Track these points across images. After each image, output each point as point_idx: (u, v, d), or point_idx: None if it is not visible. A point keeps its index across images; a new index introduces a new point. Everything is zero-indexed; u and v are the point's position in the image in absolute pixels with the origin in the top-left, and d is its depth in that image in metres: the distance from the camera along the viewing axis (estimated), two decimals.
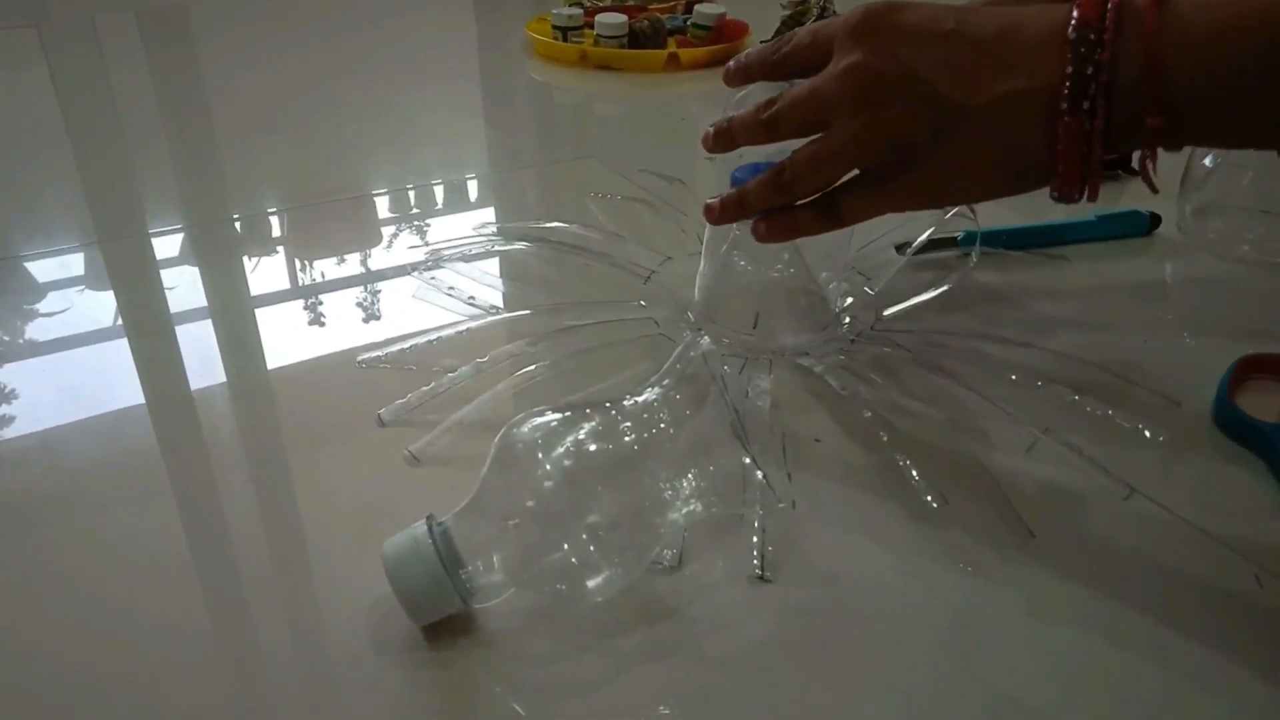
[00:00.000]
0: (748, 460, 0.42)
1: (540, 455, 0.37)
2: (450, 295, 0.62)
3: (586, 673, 0.36)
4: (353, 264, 0.69)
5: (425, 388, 0.51)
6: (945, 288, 0.60)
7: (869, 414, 0.48)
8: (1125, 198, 0.76)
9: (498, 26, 1.45)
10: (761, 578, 0.40)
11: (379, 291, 0.64)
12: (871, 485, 0.45)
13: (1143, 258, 0.68)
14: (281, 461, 0.48)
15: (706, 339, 0.40)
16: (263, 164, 0.88)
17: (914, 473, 0.44)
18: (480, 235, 0.69)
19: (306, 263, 0.69)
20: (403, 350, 0.55)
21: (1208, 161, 0.69)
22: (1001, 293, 0.62)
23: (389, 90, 1.11)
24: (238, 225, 0.75)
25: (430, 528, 0.37)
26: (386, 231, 0.75)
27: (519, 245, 0.67)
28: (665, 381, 0.39)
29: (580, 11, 1.18)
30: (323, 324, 0.60)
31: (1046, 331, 0.57)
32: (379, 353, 0.55)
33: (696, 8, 1.18)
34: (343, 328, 0.60)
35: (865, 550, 0.42)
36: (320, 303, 0.63)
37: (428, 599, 0.36)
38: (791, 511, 0.43)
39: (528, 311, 0.59)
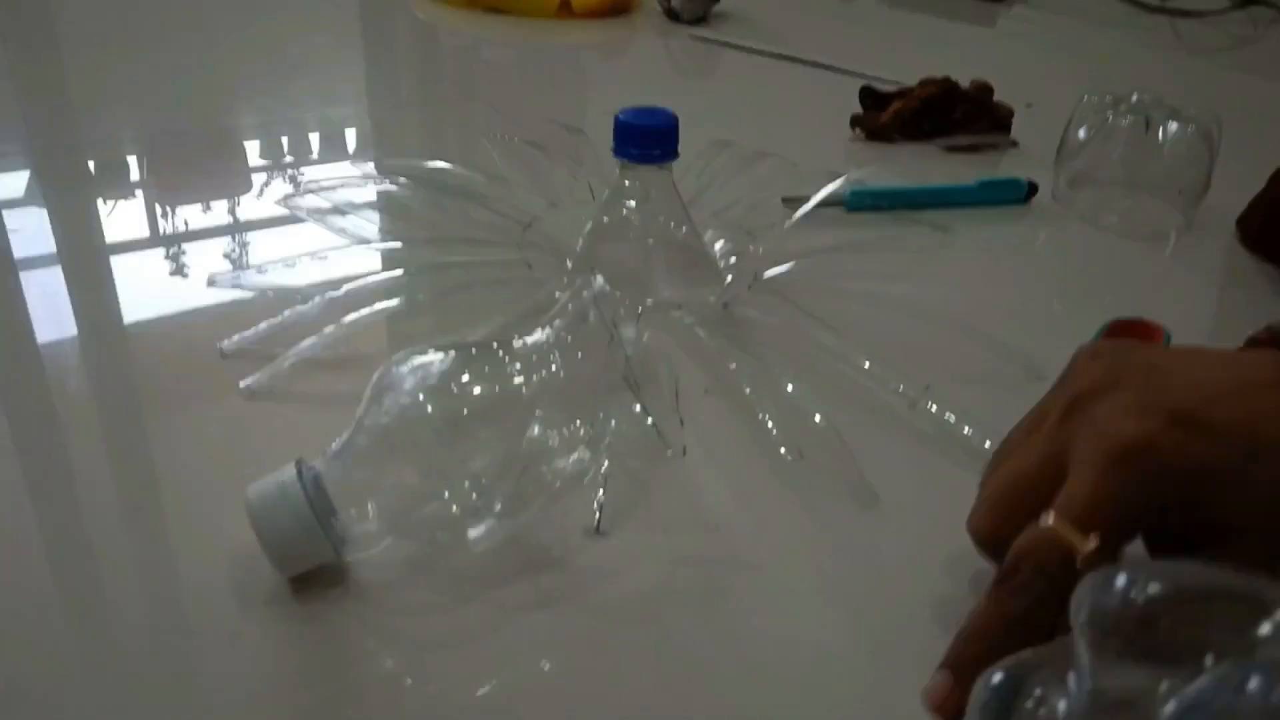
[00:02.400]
0: (638, 408, 0.41)
1: (421, 396, 0.35)
2: (319, 221, 0.58)
3: (467, 624, 0.34)
4: (219, 210, 0.64)
5: (273, 319, 0.48)
6: (827, 249, 0.60)
7: (734, 365, 0.48)
8: (1004, 166, 0.78)
9: None
10: (598, 531, 0.38)
11: (246, 243, 0.60)
12: (749, 433, 0.44)
13: (1019, 224, 0.70)
14: (133, 409, 0.45)
15: (600, 280, 0.39)
16: (119, 93, 0.81)
17: (771, 426, 0.44)
18: (358, 171, 0.65)
19: (167, 207, 0.64)
20: (258, 272, 0.52)
21: (1081, 133, 0.71)
22: (881, 255, 0.63)
23: (260, 20, 1.04)
24: (90, 164, 0.69)
25: (300, 472, 0.34)
26: (257, 175, 0.70)
27: (399, 182, 0.64)
28: (557, 322, 0.37)
29: None
30: (184, 274, 0.56)
31: (924, 294, 0.58)
32: (233, 274, 0.51)
33: None
34: (204, 274, 0.55)
35: (748, 494, 0.41)
36: (182, 251, 0.58)
37: (296, 548, 0.34)
38: (681, 460, 0.42)
39: (396, 245, 0.56)
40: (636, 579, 0.37)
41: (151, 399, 0.45)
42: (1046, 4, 1.40)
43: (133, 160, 0.70)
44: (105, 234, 0.60)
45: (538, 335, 0.37)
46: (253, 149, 0.74)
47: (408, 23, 1.12)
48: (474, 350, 0.37)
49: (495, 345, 0.37)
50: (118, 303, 0.52)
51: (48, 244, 0.58)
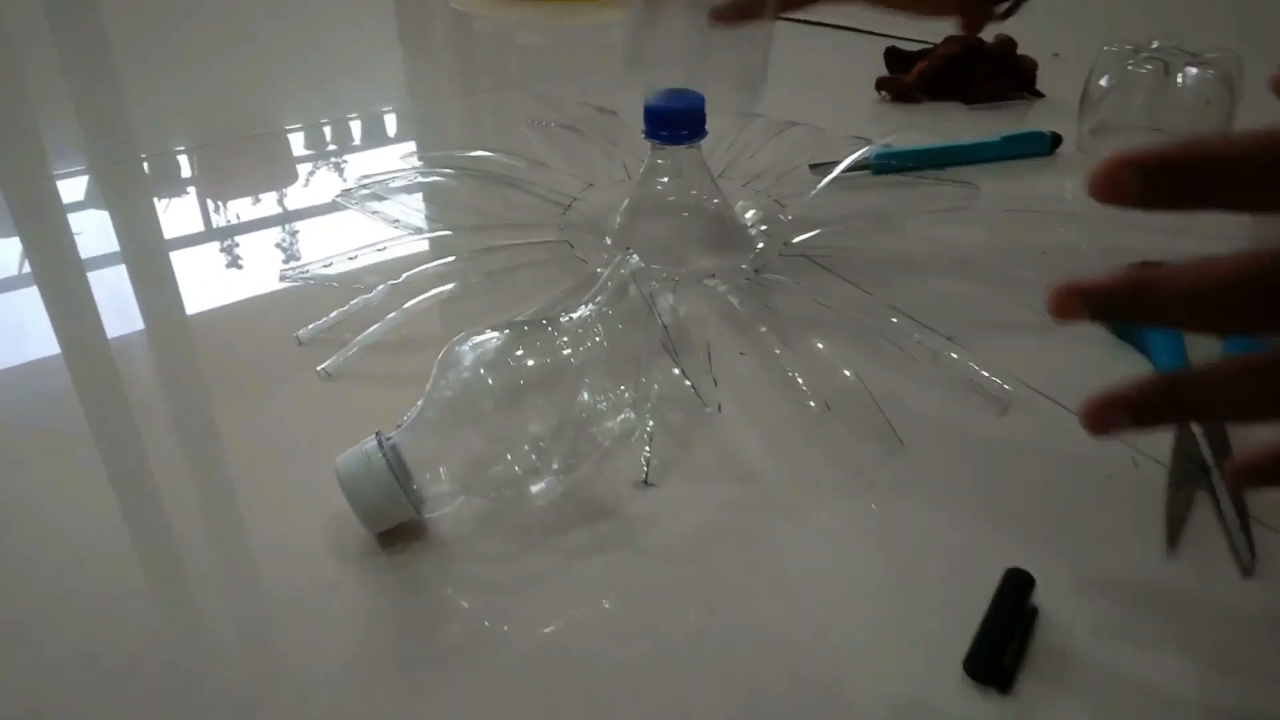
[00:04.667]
0: (676, 371, 0.45)
1: (482, 371, 0.39)
2: (373, 215, 0.63)
3: (534, 569, 0.39)
4: (270, 202, 0.69)
5: (343, 308, 0.52)
6: (855, 213, 0.63)
7: (764, 329, 0.51)
8: (1030, 119, 0.80)
9: None
10: (647, 483, 0.42)
11: (296, 232, 0.65)
12: (784, 389, 0.48)
13: (1046, 175, 0.72)
14: (224, 393, 0.50)
15: (635, 257, 0.42)
16: (170, 99, 0.87)
17: (801, 382, 0.47)
18: (405, 165, 0.70)
19: (220, 203, 0.69)
20: (324, 266, 0.56)
21: (1103, 83, 0.73)
22: (911, 216, 0.66)
23: (299, 20, 1.09)
24: (146, 166, 0.74)
25: (380, 442, 0.39)
26: (304, 168, 0.75)
27: (444, 173, 0.68)
28: (599, 298, 0.41)
29: None
30: (240, 266, 0.61)
31: (953, 249, 0.61)
32: (301, 267, 0.56)
33: None
34: (262, 266, 0.60)
35: (782, 447, 0.45)
36: (236, 244, 0.63)
37: (381, 509, 0.38)
38: (718, 416, 0.46)
39: (447, 233, 0.60)
40: (682, 524, 0.41)
41: (239, 384, 0.50)
42: None
43: (184, 160, 0.75)
44: (165, 232, 0.65)
45: (582, 311, 0.41)
46: (298, 144, 0.79)
47: (443, 12, 1.16)
48: (525, 327, 0.41)
49: (544, 321, 0.41)
50: (180, 298, 0.57)
51: (111, 244, 0.63)
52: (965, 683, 0.34)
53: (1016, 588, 0.36)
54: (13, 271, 0.60)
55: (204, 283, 0.59)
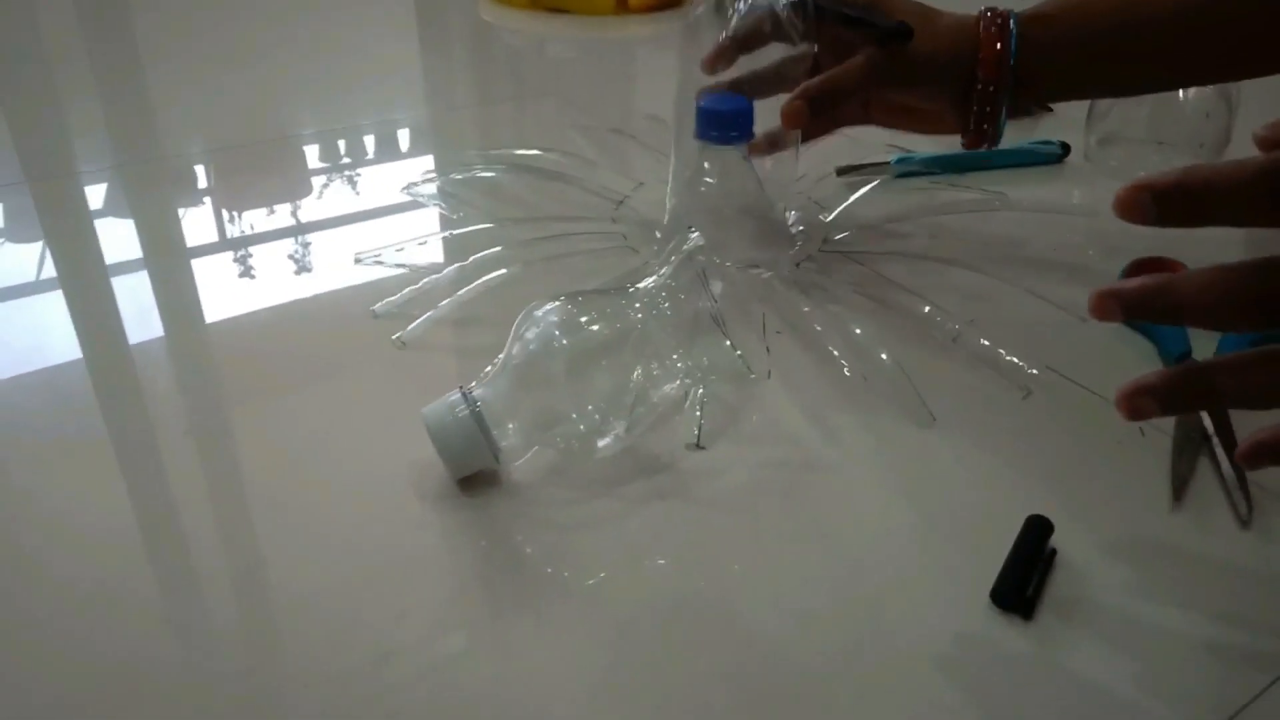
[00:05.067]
0: (727, 343, 0.50)
1: (557, 333, 0.44)
2: (435, 203, 0.67)
3: (599, 513, 0.43)
4: (333, 198, 0.74)
5: (414, 286, 0.57)
6: (886, 214, 0.68)
7: (806, 309, 0.56)
8: (1040, 131, 0.85)
9: None
10: (699, 446, 0.47)
11: (362, 224, 0.69)
12: (822, 365, 0.52)
13: (1055, 182, 0.77)
14: (313, 362, 0.54)
15: (696, 234, 0.47)
16: (211, 105, 0.91)
17: (841, 358, 0.52)
18: (462, 163, 0.74)
19: (294, 201, 0.73)
20: (396, 250, 0.61)
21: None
22: (933, 216, 0.70)
23: (335, 29, 1.14)
24: (197, 167, 0.78)
25: (465, 395, 0.43)
26: (370, 168, 0.79)
27: (499, 168, 0.73)
28: (663, 270, 0.46)
29: None
30: (306, 272, 0.65)
31: (971, 250, 0.65)
32: (374, 251, 0.61)
33: None
34: (335, 253, 0.65)
35: (822, 414, 0.49)
36: (307, 240, 0.67)
37: (465, 455, 0.43)
38: (763, 385, 0.50)
39: (508, 221, 0.65)
40: (731, 479, 0.45)
41: (325, 352, 0.54)
42: None
43: (245, 156, 0.79)
44: (262, 225, 0.69)
45: (648, 281, 0.46)
46: (370, 145, 0.84)
47: (475, 24, 1.21)
48: (596, 295, 0.45)
49: (614, 291, 0.45)
50: (259, 285, 0.62)
51: (213, 235, 0.68)
52: (992, 611, 0.38)
53: (1037, 530, 0.41)
54: (44, 274, 0.62)
55: (279, 270, 0.63)
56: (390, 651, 0.36)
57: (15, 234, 0.67)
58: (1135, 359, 0.54)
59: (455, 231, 0.63)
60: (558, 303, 0.45)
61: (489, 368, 0.45)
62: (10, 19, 1.16)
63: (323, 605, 0.38)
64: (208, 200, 0.72)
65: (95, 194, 0.72)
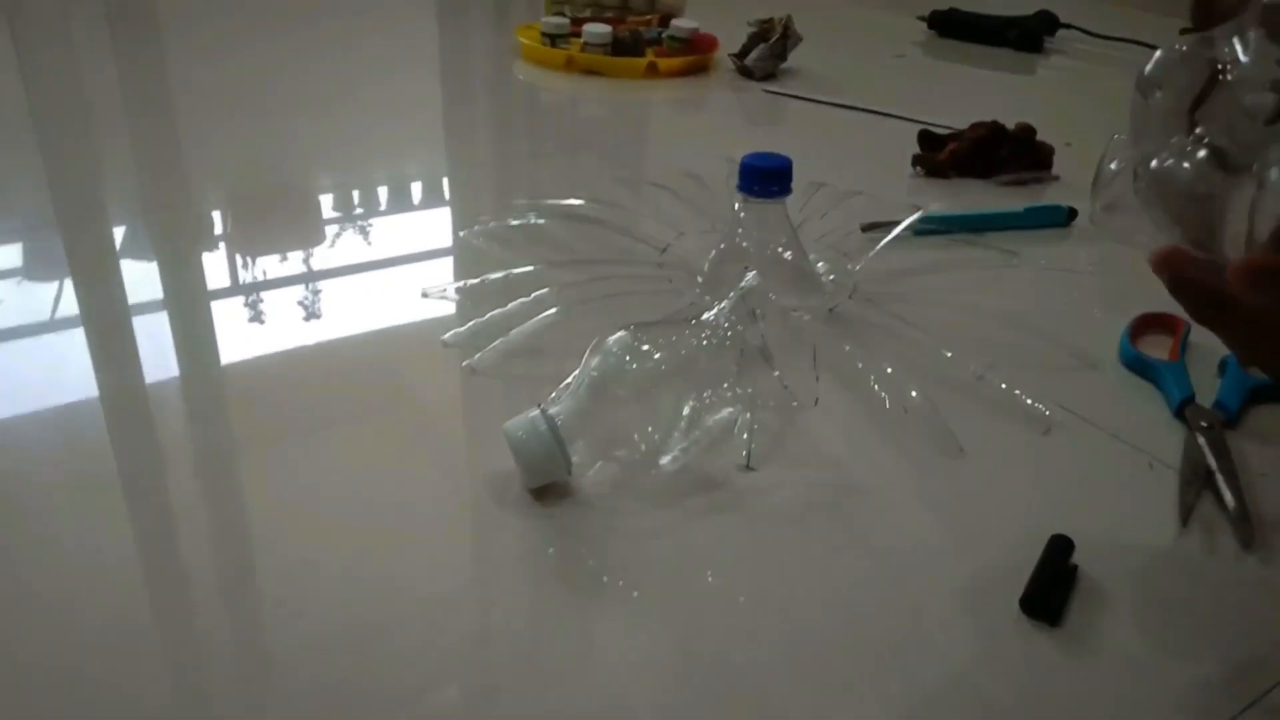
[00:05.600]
0: (775, 374, 0.54)
1: (627, 357, 0.48)
2: (492, 246, 0.73)
3: (660, 523, 0.47)
4: (394, 240, 0.79)
5: (480, 319, 0.62)
6: (910, 267, 0.73)
7: (848, 347, 0.61)
8: (1046, 196, 0.91)
9: (468, 33, 1.56)
10: (749, 468, 0.51)
11: (426, 264, 0.75)
12: (859, 399, 0.57)
13: (1063, 244, 0.83)
14: (390, 383, 0.58)
15: (753, 274, 0.52)
16: (242, 156, 0.94)
17: (881, 392, 0.57)
18: (515, 211, 0.80)
19: (365, 231, 0.79)
20: (460, 287, 0.66)
21: (1112, 166, 0.83)
22: (952, 271, 0.76)
23: (376, 82, 1.20)
24: (214, 219, 0.82)
25: (544, 412, 0.47)
26: (422, 212, 0.85)
27: (550, 217, 0.78)
28: (722, 305, 0.51)
29: (567, 21, 1.29)
30: (373, 307, 0.70)
31: (988, 302, 0.71)
32: (442, 287, 0.66)
33: (673, 22, 1.30)
34: (403, 290, 0.70)
35: (861, 442, 0.54)
36: (379, 273, 0.72)
37: (543, 467, 0.47)
38: (808, 415, 0.55)
39: (562, 264, 0.70)
40: (780, 497, 0.50)
41: (402, 375, 0.58)
42: (1081, 54, 1.53)
43: (329, 199, 0.85)
44: (326, 261, 0.74)
45: (707, 316, 0.50)
46: (416, 192, 0.89)
47: (512, 84, 1.28)
48: (661, 326, 0.50)
49: (676, 322, 0.50)
50: (332, 318, 0.67)
51: (285, 269, 0.73)
52: (1022, 618, 0.42)
53: (1061, 547, 0.45)
54: (61, 313, 0.64)
55: (350, 303, 0.68)
56: (485, 633, 0.40)
57: (39, 273, 0.69)
58: (1142, 402, 0.59)
59: (514, 271, 0.68)
60: (625, 332, 0.49)
61: (553, 393, 0.49)
62: (53, 69, 1.22)
63: (418, 593, 0.42)
64: (233, 244, 0.77)
65: (119, 236, 0.76)
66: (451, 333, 0.61)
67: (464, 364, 0.58)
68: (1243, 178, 0.34)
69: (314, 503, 0.48)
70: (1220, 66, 0.35)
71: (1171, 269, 0.40)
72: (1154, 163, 0.37)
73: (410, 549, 0.45)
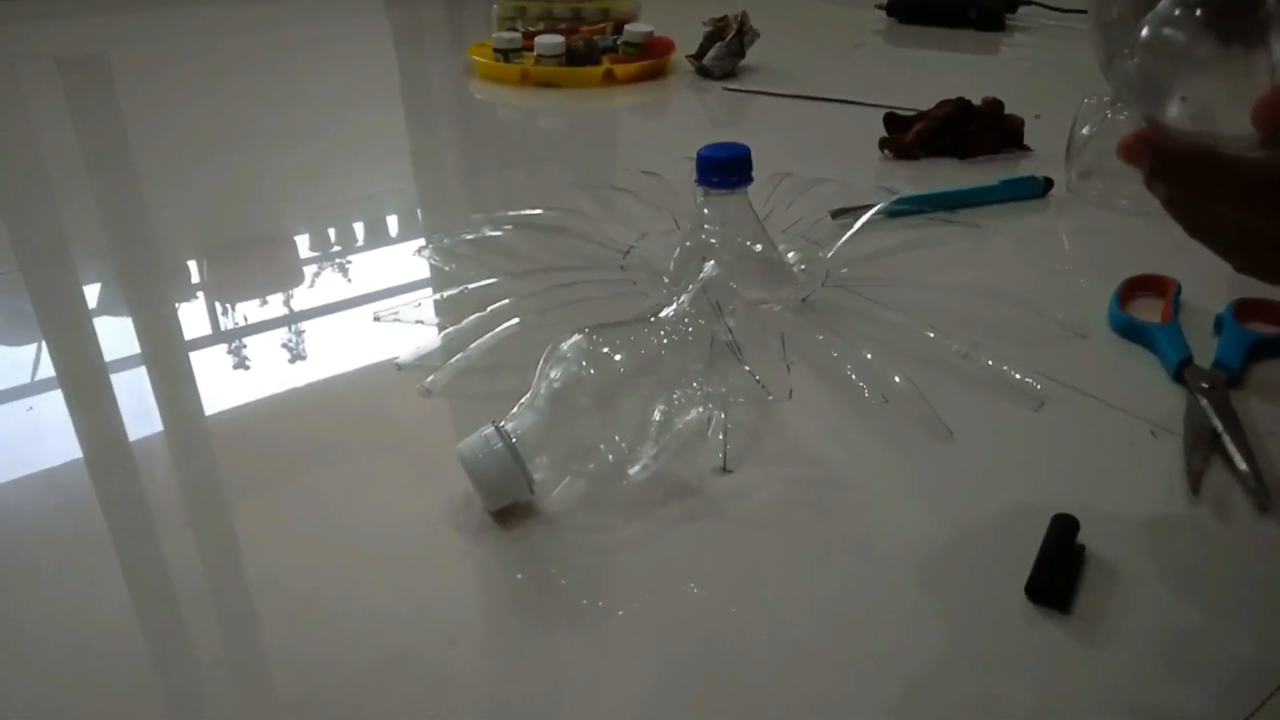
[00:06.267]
0: (745, 368, 0.51)
1: (584, 362, 0.45)
2: (451, 265, 0.69)
3: (633, 538, 0.44)
4: (353, 269, 0.76)
5: (434, 339, 0.58)
6: (882, 250, 0.70)
7: (821, 336, 0.57)
8: (1020, 170, 0.88)
9: (425, 57, 1.53)
10: (725, 470, 0.48)
11: (394, 286, 0.71)
12: (837, 390, 0.54)
13: (1041, 214, 0.80)
14: (346, 410, 0.55)
15: (711, 264, 0.49)
16: (209, 202, 0.90)
17: (859, 381, 0.53)
18: (470, 225, 0.77)
19: (291, 288, 0.75)
20: (414, 306, 0.63)
21: (1085, 131, 0.81)
22: (928, 250, 0.73)
23: (335, 118, 1.17)
24: (189, 269, 0.79)
25: (498, 428, 0.44)
26: (397, 244, 0.82)
27: (507, 228, 0.75)
28: (681, 300, 0.47)
29: (519, 35, 1.27)
30: (327, 336, 0.67)
31: (968, 279, 0.68)
32: (393, 309, 0.63)
33: (626, 27, 1.28)
34: (357, 312, 0.66)
35: (843, 433, 0.51)
36: (326, 315, 0.69)
37: (502, 487, 0.44)
38: (784, 409, 0.51)
39: (521, 274, 0.67)
40: (760, 498, 0.46)
41: (358, 404, 0.55)
42: (1043, 29, 1.52)
43: (243, 248, 0.81)
44: (308, 300, 0.71)
45: (667, 311, 0.47)
46: (374, 219, 0.86)
47: (469, 102, 1.25)
48: (617, 326, 0.47)
49: (634, 322, 0.47)
50: (293, 358, 0.63)
51: (259, 314, 0.69)
52: (1029, 607, 0.39)
53: (1065, 527, 0.42)
54: (40, 374, 0.61)
55: (320, 330, 0.64)
56: (444, 676, 0.37)
57: (11, 337, 0.65)
58: (1138, 368, 0.56)
59: (470, 286, 0.65)
60: (581, 335, 0.46)
61: (514, 407, 0.46)
62: (7, 127, 1.19)
63: (376, 635, 0.39)
64: (200, 294, 0.72)
65: (91, 292, 0.72)
66: (405, 355, 0.58)
67: (421, 384, 0.55)
68: (1250, 45, 0.31)
69: (258, 551, 0.44)
70: None
71: (1156, 143, 0.35)
72: (1144, 31, 0.33)
73: (364, 589, 0.41)
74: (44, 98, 1.32)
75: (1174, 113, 0.34)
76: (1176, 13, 0.33)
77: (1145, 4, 0.34)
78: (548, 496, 0.46)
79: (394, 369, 0.57)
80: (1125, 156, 0.36)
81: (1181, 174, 0.35)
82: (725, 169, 0.60)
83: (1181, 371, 0.53)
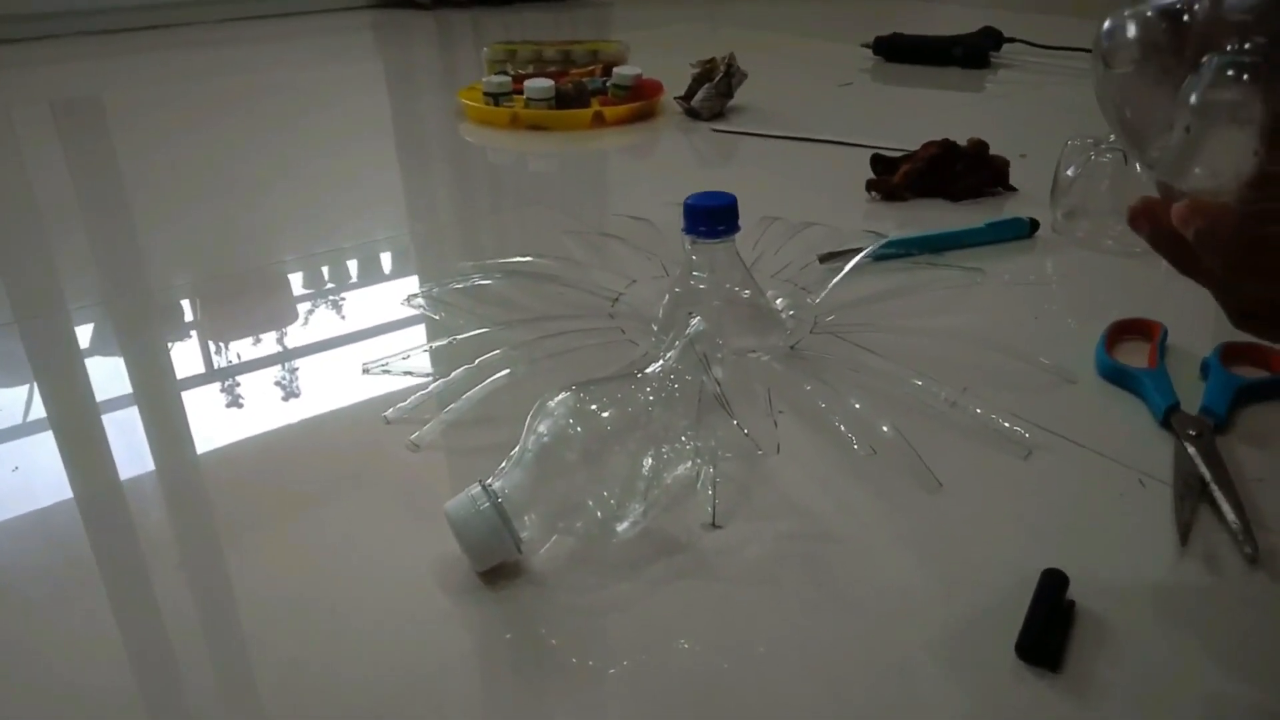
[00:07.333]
0: (734, 422, 0.51)
1: (571, 420, 0.45)
2: (439, 314, 0.70)
3: (622, 596, 0.44)
4: (340, 315, 0.76)
5: (423, 391, 0.58)
6: (872, 295, 0.71)
7: (808, 387, 0.57)
8: (1006, 210, 0.89)
9: (417, 99, 1.54)
10: (714, 525, 0.47)
11: (368, 337, 0.71)
12: (826, 441, 0.54)
13: (1028, 255, 0.80)
14: (333, 465, 0.55)
15: (698, 319, 0.49)
16: (200, 241, 0.91)
17: (848, 432, 0.53)
18: (460, 273, 0.77)
19: (285, 327, 0.75)
20: (402, 358, 0.63)
21: (1070, 172, 0.82)
22: (916, 294, 0.73)
23: (326, 162, 1.18)
24: (183, 305, 0.80)
25: (485, 488, 0.44)
26: (372, 286, 0.82)
27: (496, 276, 0.76)
28: (668, 355, 0.47)
29: (509, 79, 1.28)
30: (314, 387, 0.67)
31: (956, 323, 0.68)
32: (381, 361, 0.63)
33: (615, 70, 1.29)
34: (345, 365, 0.66)
35: (832, 485, 0.50)
36: (312, 363, 0.69)
37: (489, 547, 0.43)
38: (773, 463, 0.51)
39: (510, 324, 0.67)
40: (749, 554, 0.46)
41: (339, 463, 0.55)
42: (1028, 66, 1.53)
43: (235, 288, 0.82)
44: (263, 350, 0.71)
45: (654, 367, 0.47)
46: (365, 264, 0.86)
47: (459, 146, 1.26)
48: (605, 383, 0.47)
49: (621, 378, 0.47)
50: (282, 404, 0.63)
51: (252, 351, 0.69)
52: (1019, 666, 0.39)
53: (1054, 583, 0.41)
54: (32, 415, 0.61)
55: (296, 387, 0.64)
56: None
57: (2, 378, 0.66)
58: (1125, 415, 0.56)
59: (459, 337, 0.65)
60: (568, 393, 0.46)
61: (504, 463, 0.46)
62: (1, 170, 1.19)
63: (364, 696, 0.38)
64: (193, 333, 0.73)
65: (84, 333, 0.72)
66: (394, 408, 0.58)
67: (409, 439, 0.54)
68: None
69: (236, 610, 0.44)
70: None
71: (1151, 220, 0.40)
72: (1192, 97, 0.35)
73: (351, 649, 0.41)
74: (38, 140, 1.33)
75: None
76: (1228, 71, 0.34)
77: (1158, 103, 0.36)
78: (535, 555, 0.46)
79: (379, 422, 0.57)
80: (1133, 223, 0.41)
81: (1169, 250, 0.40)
82: (713, 218, 0.60)
83: (1169, 418, 0.53)
